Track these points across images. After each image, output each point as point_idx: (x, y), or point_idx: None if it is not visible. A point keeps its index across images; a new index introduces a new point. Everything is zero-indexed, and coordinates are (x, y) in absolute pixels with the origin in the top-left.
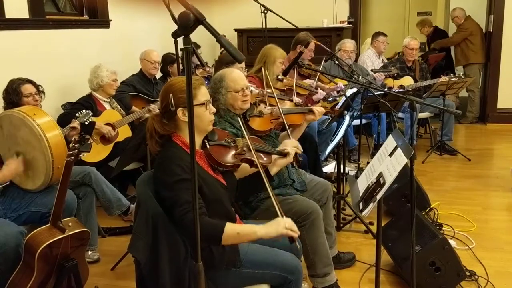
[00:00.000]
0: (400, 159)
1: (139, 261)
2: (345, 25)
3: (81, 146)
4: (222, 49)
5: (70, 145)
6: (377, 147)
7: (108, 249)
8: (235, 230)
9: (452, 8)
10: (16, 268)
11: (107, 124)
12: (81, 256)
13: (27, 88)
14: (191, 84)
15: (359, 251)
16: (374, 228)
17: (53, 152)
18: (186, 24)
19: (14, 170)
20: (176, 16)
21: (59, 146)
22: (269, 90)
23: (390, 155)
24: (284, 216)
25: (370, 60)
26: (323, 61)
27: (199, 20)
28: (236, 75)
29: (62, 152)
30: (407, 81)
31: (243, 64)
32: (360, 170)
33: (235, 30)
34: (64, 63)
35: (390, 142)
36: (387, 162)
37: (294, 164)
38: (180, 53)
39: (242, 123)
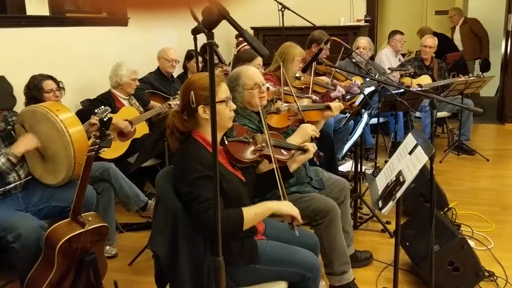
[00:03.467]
0: (421, 157)
1: (159, 255)
2: (362, 23)
3: (102, 141)
4: (239, 47)
5: (91, 141)
6: (394, 146)
7: (126, 245)
8: (253, 212)
9: (470, 7)
10: (37, 261)
11: (125, 120)
12: (100, 251)
13: (48, 84)
14: (213, 79)
15: (376, 250)
16: (391, 227)
17: (75, 148)
18: (210, 19)
19: (29, 142)
20: (198, 13)
21: (81, 141)
22: (286, 88)
23: (410, 153)
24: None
25: (387, 58)
26: (339, 59)
27: (223, 14)
28: (252, 72)
29: (83, 148)
30: (425, 80)
31: (260, 62)
32: (377, 169)
33: (252, 28)
34: (83, 60)
35: (409, 140)
36: (406, 160)
37: (315, 159)
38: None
39: (263, 116)
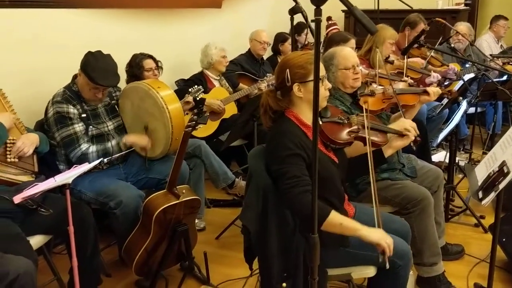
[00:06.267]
0: None
1: (249, 230)
2: (461, 7)
3: (199, 118)
4: (328, 30)
5: (186, 117)
6: (492, 137)
7: (212, 219)
8: (339, 220)
9: None
10: (134, 228)
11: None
12: (191, 223)
13: (148, 63)
14: (318, 55)
15: (467, 244)
16: (484, 222)
17: (173, 124)
18: None
19: (140, 143)
20: None
21: (179, 118)
22: (380, 71)
23: None
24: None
25: (488, 44)
26: (438, 43)
27: None
28: (347, 52)
29: (180, 124)
30: None
31: (353, 45)
32: (471, 160)
33: (343, 11)
34: (177, 41)
35: None
36: (511, 151)
37: (411, 144)
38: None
39: (357, 98)
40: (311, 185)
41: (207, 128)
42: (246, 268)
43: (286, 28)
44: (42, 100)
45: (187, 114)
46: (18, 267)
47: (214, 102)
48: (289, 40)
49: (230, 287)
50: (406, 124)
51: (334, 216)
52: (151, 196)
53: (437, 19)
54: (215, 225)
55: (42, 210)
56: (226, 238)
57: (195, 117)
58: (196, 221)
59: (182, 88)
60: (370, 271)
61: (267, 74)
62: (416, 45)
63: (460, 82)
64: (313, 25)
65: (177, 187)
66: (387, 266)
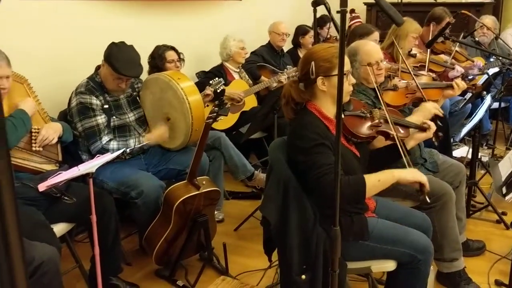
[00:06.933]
0: None
1: (269, 222)
2: (486, 0)
3: (220, 109)
4: (350, 23)
5: (207, 109)
6: None
7: (231, 211)
8: (376, 178)
9: None
10: (155, 218)
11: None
12: (211, 214)
13: (170, 55)
14: (344, 48)
15: (489, 241)
16: (507, 219)
17: (193, 115)
18: None
19: (160, 136)
20: None
21: (199, 109)
22: (402, 65)
23: None
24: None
25: None
26: (461, 37)
27: None
28: (371, 47)
29: (200, 116)
30: None
31: (377, 37)
32: (494, 156)
33: (365, 3)
34: (198, 33)
35: None
36: None
37: (433, 139)
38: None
39: (379, 93)
40: (342, 170)
41: (227, 121)
42: (264, 260)
43: (308, 21)
44: (66, 90)
45: (207, 106)
46: (43, 253)
47: (234, 92)
48: (310, 33)
49: (249, 278)
50: (429, 107)
51: (370, 178)
52: (172, 187)
53: (463, 11)
54: (234, 217)
55: (66, 198)
56: (244, 230)
57: (216, 108)
58: (215, 212)
59: (203, 80)
60: (390, 265)
61: (287, 67)
62: (441, 38)
63: (485, 76)
64: (337, 16)
65: (197, 178)
66: (428, 200)
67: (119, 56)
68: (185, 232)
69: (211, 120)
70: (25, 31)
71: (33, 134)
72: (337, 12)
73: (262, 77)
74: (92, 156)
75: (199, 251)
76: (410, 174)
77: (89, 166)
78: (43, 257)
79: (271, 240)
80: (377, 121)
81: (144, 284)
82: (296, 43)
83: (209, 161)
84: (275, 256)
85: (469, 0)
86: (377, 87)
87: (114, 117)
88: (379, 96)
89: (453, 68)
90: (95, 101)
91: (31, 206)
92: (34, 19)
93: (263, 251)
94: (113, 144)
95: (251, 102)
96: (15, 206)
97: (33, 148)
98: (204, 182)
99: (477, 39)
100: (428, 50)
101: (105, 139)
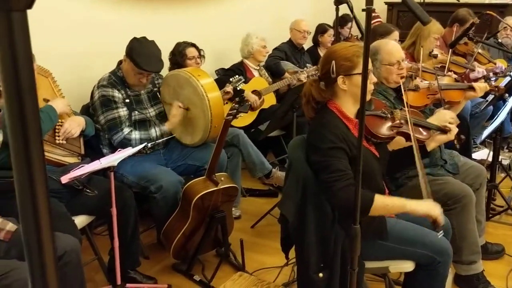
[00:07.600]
0: None
1: (287, 219)
2: (510, 1)
3: (240, 106)
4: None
5: (226, 106)
6: None
7: (248, 208)
8: (384, 202)
9: None
10: (173, 213)
11: (253, 91)
12: (228, 210)
13: (191, 51)
14: (368, 47)
15: (508, 244)
16: None
17: (212, 112)
18: None
19: (174, 116)
20: None
21: (218, 106)
22: (424, 65)
23: None
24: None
25: None
26: (484, 38)
27: None
28: (392, 47)
29: (220, 112)
30: None
31: (397, 37)
32: None
33: (386, 3)
34: (217, 30)
35: None
36: None
37: (455, 142)
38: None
39: (404, 92)
40: (353, 178)
41: (246, 118)
42: (281, 257)
43: (329, 19)
44: (88, 84)
45: (226, 103)
46: (65, 244)
47: (251, 96)
48: (329, 32)
49: (265, 275)
50: (446, 116)
51: (379, 200)
52: (190, 182)
53: (487, 11)
54: (250, 214)
55: (88, 191)
56: (261, 227)
57: (237, 105)
58: (232, 209)
59: (222, 78)
60: (408, 266)
61: (307, 65)
62: (464, 40)
63: (507, 78)
64: (361, 15)
65: (216, 174)
66: (440, 234)
67: (140, 51)
68: (203, 227)
69: (231, 117)
70: (47, 30)
71: (56, 127)
72: (363, 10)
73: (286, 74)
74: (113, 150)
75: (216, 246)
76: (424, 209)
77: (111, 159)
78: (66, 248)
79: (288, 238)
80: (398, 121)
81: (161, 277)
82: (316, 42)
83: (227, 158)
84: (291, 254)
85: (492, 1)
86: (401, 86)
87: (135, 111)
88: (403, 95)
89: (474, 70)
90: (117, 94)
91: (54, 198)
92: (59, 15)
93: (280, 249)
94: (135, 134)
95: (270, 100)
96: (48, 202)
97: (57, 141)
98: (222, 179)
99: (500, 40)
100: (450, 51)
101: (126, 130)
